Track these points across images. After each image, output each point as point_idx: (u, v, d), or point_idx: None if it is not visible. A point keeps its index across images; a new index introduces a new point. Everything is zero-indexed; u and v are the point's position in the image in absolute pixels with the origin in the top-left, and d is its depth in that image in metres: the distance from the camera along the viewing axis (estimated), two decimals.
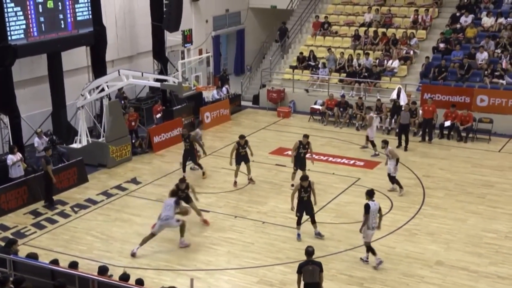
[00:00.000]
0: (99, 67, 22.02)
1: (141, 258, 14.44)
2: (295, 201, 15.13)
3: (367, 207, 13.67)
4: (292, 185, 17.99)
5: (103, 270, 11.25)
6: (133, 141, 21.54)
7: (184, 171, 19.24)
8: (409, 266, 14.03)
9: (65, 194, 18.18)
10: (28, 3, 18.87)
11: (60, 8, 20.08)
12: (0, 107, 18.88)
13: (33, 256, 11.56)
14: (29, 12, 18.94)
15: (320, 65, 27.03)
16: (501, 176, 19.27)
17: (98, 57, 22.09)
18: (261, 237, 15.46)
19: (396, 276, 13.60)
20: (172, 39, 25.90)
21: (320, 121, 25.16)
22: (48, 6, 19.62)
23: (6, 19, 18.22)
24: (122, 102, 22.85)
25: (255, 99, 28.18)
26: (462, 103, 23.41)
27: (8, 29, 18.31)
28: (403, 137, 21.74)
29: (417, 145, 22.21)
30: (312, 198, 15.16)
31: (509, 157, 21.05)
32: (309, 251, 11.74)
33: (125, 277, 11.08)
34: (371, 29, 27.96)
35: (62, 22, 20.22)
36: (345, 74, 26.58)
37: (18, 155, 17.73)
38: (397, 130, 22.39)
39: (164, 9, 24.05)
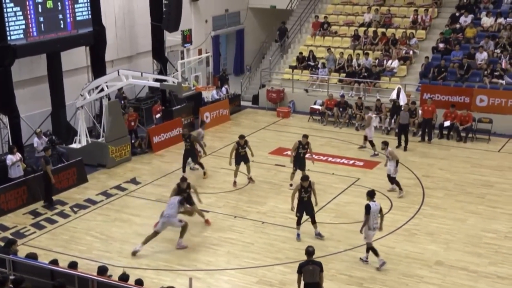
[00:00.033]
0: (98, 67, 22.01)
1: (140, 258, 14.43)
2: (295, 201, 15.13)
3: (367, 208, 13.66)
4: (291, 185, 18.02)
5: (102, 270, 11.26)
6: (133, 141, 21.53)
7: (184, 171, 19.23)
8: (408, 266, 14.03)
9: (64, 194, 18.17)
10: (27, 3, 18.85)
11: (59, 8, 20.07)
12: None
13: (32, 256, 11.56)
14: (28, 12, 18.93)
15: (319, 65, 27.03)
16: (501, 176, 19.27)
17: (97, 57, 22.08)
18: (260, 237, 15.46)
19: (395, 276, 13.60)
20: (172, 39, 25.89)
21: (319, 121, 25.16)
22: (47, 6, 19.60)
23: (6, 19, 18.20)
24: (122, 102, 22.84)
25: (255, 99, 28.17)
26: (461, 103, 23.41)
27: (7, 29, 18.29)
28: (402, 137, 21.75)
29: (417, 145, 22.21)
30: (312, 199, 15.16)
31: (509, 157, 21.06)
32: (310, 251, 11.74)
33: (124, 277, 11.07)
34: (371, 29, 27.96)
35: (61, 22, 20.21)
36: (344, 74, 26.58)
37: (18, 155, 17.72)
38: (397, 130, 22.40)
39: (164, 9, 24.04)
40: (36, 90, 21.66)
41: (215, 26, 31.37)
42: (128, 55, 25.89)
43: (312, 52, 27.74)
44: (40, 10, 19.33)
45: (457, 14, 27.26)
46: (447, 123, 22.74)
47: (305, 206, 15.04)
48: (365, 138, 21.60)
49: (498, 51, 25.02)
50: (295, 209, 15.14)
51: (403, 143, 21.68)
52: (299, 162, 18.12)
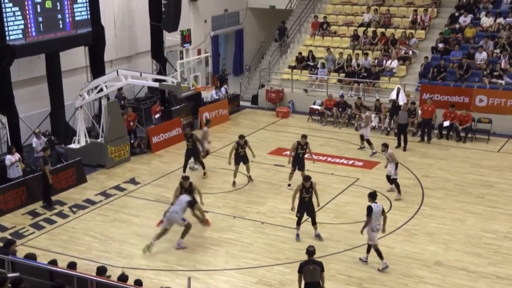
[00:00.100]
0: (97, 67, 21.98)
1: (140, 258, 14.42)
2: (296, 201, 15.09)
3: (369, 210, 13.63)
4: (289, 185, 18.01)
5: (101, 271, 11.24)
6: (132, 141, 21.51)
7: (184, 171, 19.21)
8: (408, 266, 14.02)
9: (63, 194, 18.15)
10: (26, 3, 18.82)
11: (58, 8, 20.04)
12: None
13: (31, 256, 11.55)
14: (27, 12, 18.90)
15: (319, 65, 27.02)
16: (500, 176, 19.26)
17: (96, 57, 22.05)
18: (260, 238, 15.44)
19: (395, 277, 13.58)
20: (171, 39, 25.88)
21: (319, 121, 25.14)
22: (46, 6, 19.58)
23: (4, 19, 18.18)
24: (121, 102, 22.82)
25: (254, 99, 28.15)
26: (461, 103, 23.40)
27: (6, 29, 18.27)
28: (402, 137, 21.74)
29: (416, 145, 22.20)
30: (314, 199, 15.12)
31: (508, 157, 21.05)
32: (310, 251, 11.73)
33: (123, 277, 11.05)
34: (370, 29, 27.95)
35: (60, 22, 20.18)
36: (344, 74, 26.57)
37: (16, 156, 17.69)
38: (396, 130, 22.39)
39: (163, 9, 24.02)
40: (35, 90, 21.64)
41: (214, 26, 31.35)
42: (127, 55, 25.87)
43: (312, 52, 27.72)
44: (39, 10, 19.31)
45: (457, 14, 27.25)
46: (446, 123, 22.73)
47: (306, 206, 15.00)
48: (362, 137, 21.60)
49: (498, 51, 25.02)
50: (295, 210, 15.11)
51: (402, 143, 21.68)
52: (298, 163, 18.10)
